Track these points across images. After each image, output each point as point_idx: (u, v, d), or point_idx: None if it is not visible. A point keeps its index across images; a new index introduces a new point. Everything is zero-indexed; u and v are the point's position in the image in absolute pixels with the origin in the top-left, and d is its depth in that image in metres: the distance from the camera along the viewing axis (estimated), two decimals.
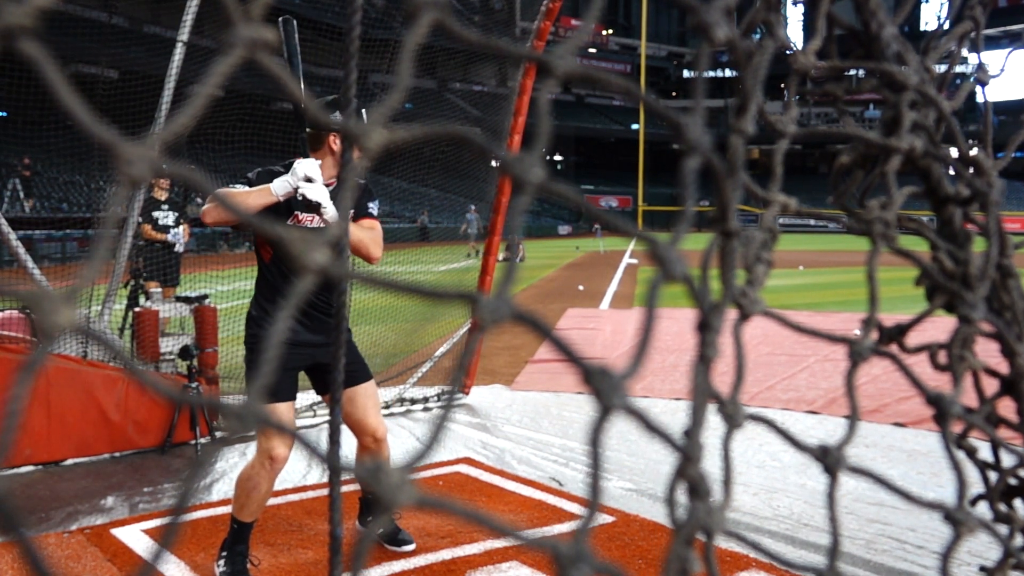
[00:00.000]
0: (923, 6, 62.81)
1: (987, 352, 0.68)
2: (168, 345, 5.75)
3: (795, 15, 66.81)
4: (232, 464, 4.96)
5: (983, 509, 0.67)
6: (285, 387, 3.34)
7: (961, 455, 0.64)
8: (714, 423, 0.49)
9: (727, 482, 0.52)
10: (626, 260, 24.66)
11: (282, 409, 3.33)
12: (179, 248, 8.53)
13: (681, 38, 73.64)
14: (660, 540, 3.76)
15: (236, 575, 3.32)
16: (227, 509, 4.10)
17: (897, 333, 0.63)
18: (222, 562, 3.36)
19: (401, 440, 5.56)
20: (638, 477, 4.66)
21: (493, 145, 0.42)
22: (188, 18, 5.65)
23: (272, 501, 4.23)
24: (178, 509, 0.37)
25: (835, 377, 7.26)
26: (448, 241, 17.80)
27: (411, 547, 3.68)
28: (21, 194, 21.12)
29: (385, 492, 0.35)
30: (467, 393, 6.71)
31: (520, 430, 5.77)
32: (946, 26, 0.74)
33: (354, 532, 3.80)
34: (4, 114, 16.21)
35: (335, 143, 3.32)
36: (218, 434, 5.46)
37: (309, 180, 3.11)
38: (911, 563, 3.51)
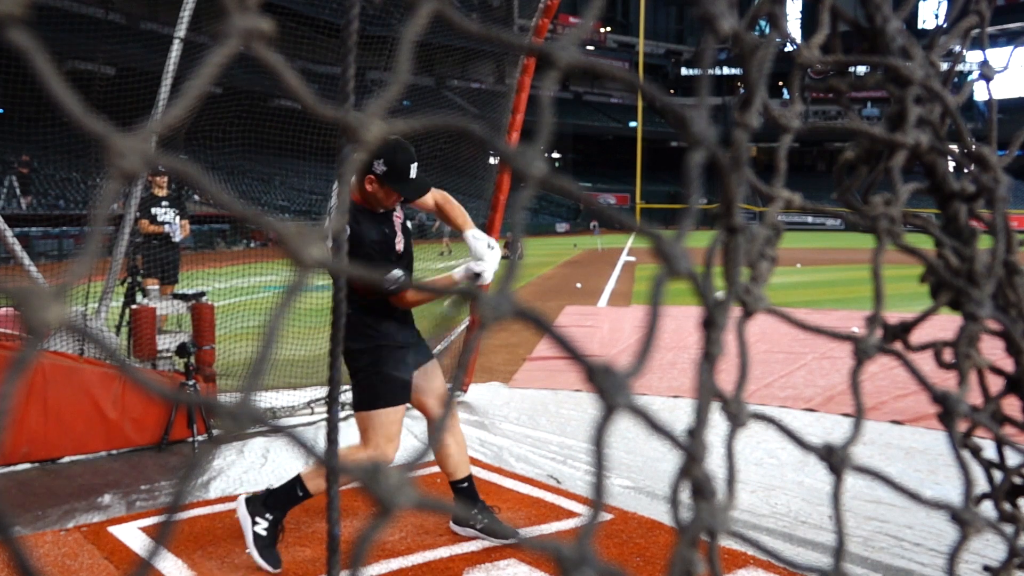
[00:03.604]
0: (921, 4, 62.82)
1: (991, 350, 0.68)
2: (165, 342, 5.74)
3: (794, 12, 66.77)
4: (230, 462, 4.95)
5: (987, 508, 0.66)
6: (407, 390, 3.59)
7: (966, 454, 0.63)
8: (713, 421, 0.49)
9: (730, 481, 0.51)
10: (624, 258, 24.65)
11: (402, 412, 3.57)
12: (176, 238, 8.50)
13: (679, 36, 73.52)
14: (658, 538, 3.76)
15: (269, 547, 3.43)
16: (224, 507, 4.10)
17: (902, 331, 0.62)
18: (263, 522, 3.42)
19: (400, 439, 5.54)
20: (636, 475, 4.66)
21: (495, 138, 0.41)
22: (185, 14, 5.64)
23: None
24: (175, 507, 0.36)
25: (833, 375, 7.26)
26: (444, 240, 17.80)
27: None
28: (18, 191, 21.10)
29: (383, 494, 0.34)
30: (465, 391, 6.71)
31: (518, 428, 5.77)
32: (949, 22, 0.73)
33: (352, 530, 3.80)
34: (0, 111, 16.18)
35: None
36: (215, 432, 5.45)
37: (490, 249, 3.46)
38: (908, 560, 3.51)
